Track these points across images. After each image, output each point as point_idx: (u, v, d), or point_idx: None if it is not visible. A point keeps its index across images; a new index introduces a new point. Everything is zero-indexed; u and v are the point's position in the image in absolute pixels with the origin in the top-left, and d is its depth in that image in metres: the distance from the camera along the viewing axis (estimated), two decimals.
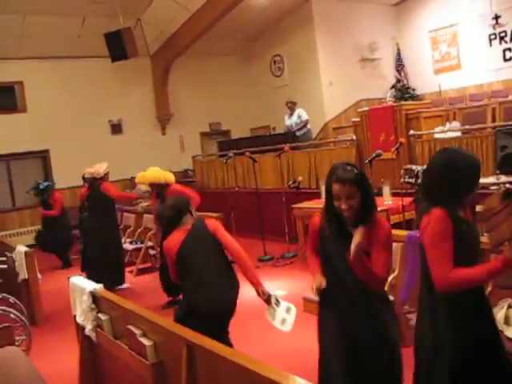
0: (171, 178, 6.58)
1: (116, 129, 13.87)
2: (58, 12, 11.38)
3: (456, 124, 8.60)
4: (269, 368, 2.20)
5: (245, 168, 10.98)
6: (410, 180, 6.34)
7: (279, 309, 3.80)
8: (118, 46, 11.71)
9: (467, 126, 8.13)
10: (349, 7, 13.50)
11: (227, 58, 15.24)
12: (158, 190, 6.48)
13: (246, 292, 6.82)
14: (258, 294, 3.84)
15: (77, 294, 4.18)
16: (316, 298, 3.25)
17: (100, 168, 7.74)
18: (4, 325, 4.39)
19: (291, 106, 11.20)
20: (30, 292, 6.54)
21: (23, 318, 5.37)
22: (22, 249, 6.63)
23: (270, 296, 3.82)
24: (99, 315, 3.84)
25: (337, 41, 13.43)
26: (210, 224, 4.12)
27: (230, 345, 3.88)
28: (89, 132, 13.17)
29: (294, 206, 8.26)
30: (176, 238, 4.00)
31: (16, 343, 4.58)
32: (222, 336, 3.91)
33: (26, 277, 6.51)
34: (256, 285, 3.87)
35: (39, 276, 6.65)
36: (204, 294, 3.89)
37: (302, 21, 13.57)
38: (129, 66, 12.80)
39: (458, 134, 7.87)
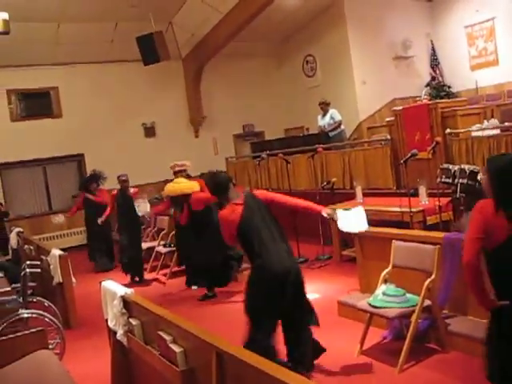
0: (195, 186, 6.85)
1: (149, 132, 13.96)
2: (91, 18, 11.53)
3: (494, 121, 8.36)
4: (298, 378, 2.12)
5: (278, 169, 10.91)
6: (447, 180, 6.19)
7: (350, 214, 4.34)
8: (150, 50, 11.79)
9: (506, 124, 7.89)
10: (381, 5, 13.30)
11: (259, 59, 15.20)
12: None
13: None
14: (323, 216, 4.36)
15: (108, 298, 4.17)
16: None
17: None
18: (38, 328, 4.41)
19: (324, 107, 11.07)
20: (65, 296, 6.58)
21: (57, 322, 5.40)
22: (56, 252, 6.67)
23: (334, 211, 4.39)
24: (130, 320, 3.82)
25: (369, 39, 13.25)
26: (259, 194, 4.46)
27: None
28: (123, 135, 13.30)
29: (328, 207, 8.14)
30: (235, 212, 4.27)
31: (50, 346, 4.61)
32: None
33: (61, 280, 6.55)
34: (319, 210, 4.38)
35: (73, 280, 6.68)
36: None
37: (334, 20, 13.43)
38: (161, 70, 12.88)
39: (497, 131, 7.64)
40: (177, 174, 7.81)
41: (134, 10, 11.46)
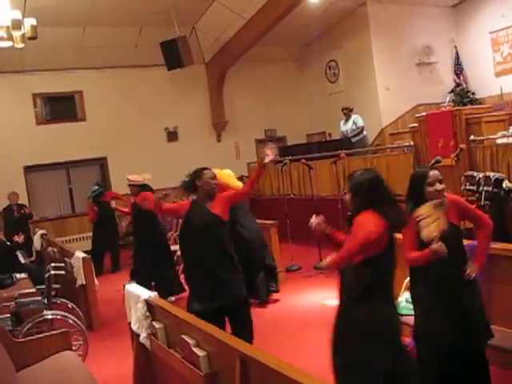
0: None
1: (172, 136, 14.04)
2: (116, 23, 11.66)
3: None
4: (322, 383, 2.12)
5: (300, 175, 10.90)
6: (471, 187, 6.13)
7: None
8: (173, 55, 11.88)
9: None
10: (405, 10, 13.25)
11: (282, 64, 15.21)
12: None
13: (300, 301, 6.76)
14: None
15: (132, 301, 4.20)
16: None
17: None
18: (62, 330, 4.47)
19: (347, 113, 11.05)
20: (87, 298, 6.64)
21: (80, 324, 5.45)
22: (79, 255, 6.75)
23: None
24: (153, 323, 3.84)
25: (393, 45, 13.20)
26: None
27: None
28: (145, 139, 13.39)
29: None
30: None
31: (73, 348, 4.66)
32: None
33: (84, 282, 6.62)
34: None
35: (96, 282, 6.75)
36: None
37: (357, 25, 13.40)
38: (184, 74, 12.96)
39: None
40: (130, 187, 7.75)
41: (157, 15, 11.57)
